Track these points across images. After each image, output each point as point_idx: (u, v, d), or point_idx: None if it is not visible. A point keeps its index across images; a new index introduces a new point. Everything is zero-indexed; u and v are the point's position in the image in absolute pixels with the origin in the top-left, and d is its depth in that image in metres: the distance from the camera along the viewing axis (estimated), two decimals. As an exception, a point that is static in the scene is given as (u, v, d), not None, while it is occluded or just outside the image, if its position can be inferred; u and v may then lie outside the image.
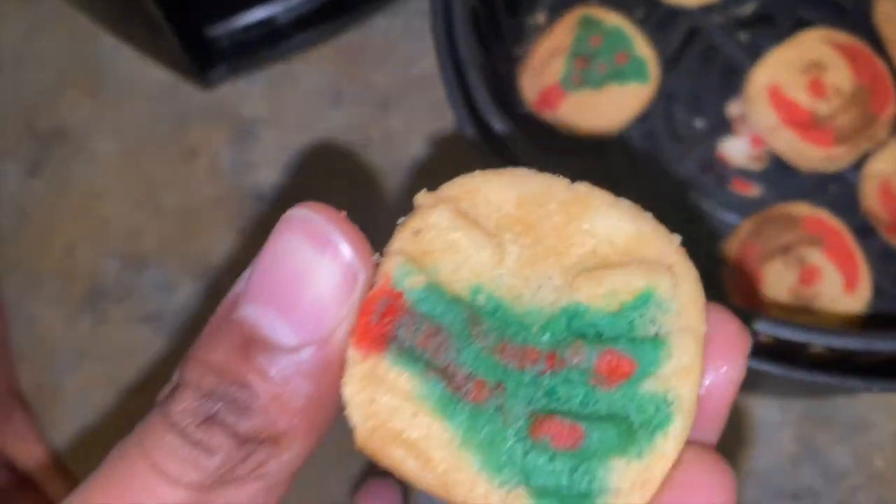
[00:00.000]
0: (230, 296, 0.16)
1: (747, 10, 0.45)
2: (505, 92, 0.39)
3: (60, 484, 0.41)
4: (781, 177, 0.43)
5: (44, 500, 0.40)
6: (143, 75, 0.51)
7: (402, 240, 0.17)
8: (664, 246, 0.16)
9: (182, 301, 0.47)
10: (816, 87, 0.41)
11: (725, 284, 0.40)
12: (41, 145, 0.50)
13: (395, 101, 0.49)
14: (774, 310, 0.39)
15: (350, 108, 0.49)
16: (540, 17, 0.47)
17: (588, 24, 0.44)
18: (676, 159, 0.44)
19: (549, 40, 0.44)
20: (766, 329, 0.30)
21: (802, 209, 0.41)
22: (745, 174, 0.43)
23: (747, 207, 0.43)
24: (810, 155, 0.41)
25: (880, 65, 0.41)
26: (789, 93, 0.41)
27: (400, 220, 0.17)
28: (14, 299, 0.47)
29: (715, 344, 0.16)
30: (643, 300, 0.16)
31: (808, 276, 0.40)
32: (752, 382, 0.29)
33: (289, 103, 0.49)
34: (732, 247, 0.41)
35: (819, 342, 0.29)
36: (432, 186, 0.18)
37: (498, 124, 0.31)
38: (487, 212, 0.17)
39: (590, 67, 0.44)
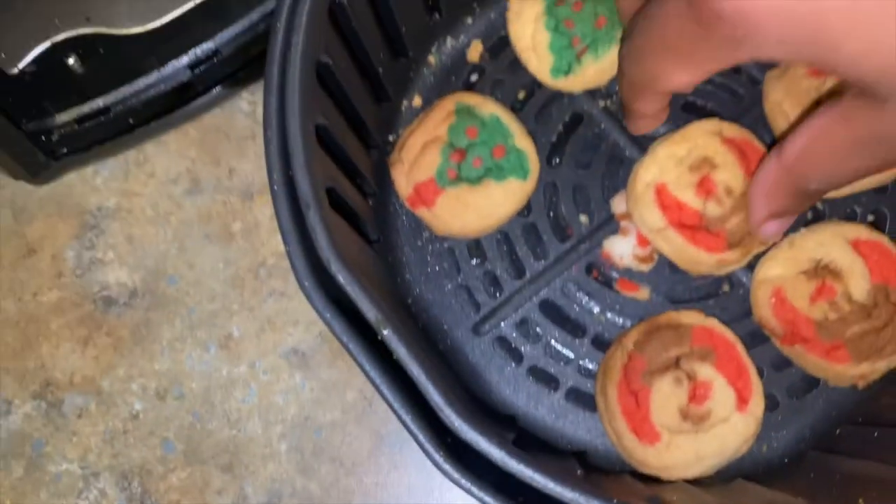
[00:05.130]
0: None
1: (635, 92, 0.42)
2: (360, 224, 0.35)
3: None
4: (670, 278, 0.40)
5: None
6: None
7: None
8: None
9: (18, 423, 0.42)
10: (705, 187, 0.38)
11: (612, 404, 0.37)
12: None
13: (260, 189, 0.45)
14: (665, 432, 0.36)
15: (210, 197, 0.44)
16: (416, 100, 0.43)
17: (464, 114, 0.41)
18: (560, 258, 0.40)
19: (423, 130, 0.40)
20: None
21: (692, 317, 0.38)
22: (632, 275, 0.40)
23: (635, 310, 0.40)
24: (699, 259, 0.38)
25: (771, 161, 0.39)
26: (677, 193, 0.38)
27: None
28: None
29: None
30: None
31: (698, 393, 0.37)
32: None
33: (140, 191, 0.44)
34: (616, 360, 0.38)
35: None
36: None
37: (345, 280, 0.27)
38: None
39: (466, 161, 0.40)
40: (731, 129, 0.39)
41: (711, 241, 0.38)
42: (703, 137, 0.39)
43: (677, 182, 0.38)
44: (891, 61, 0.23)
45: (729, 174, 0.38)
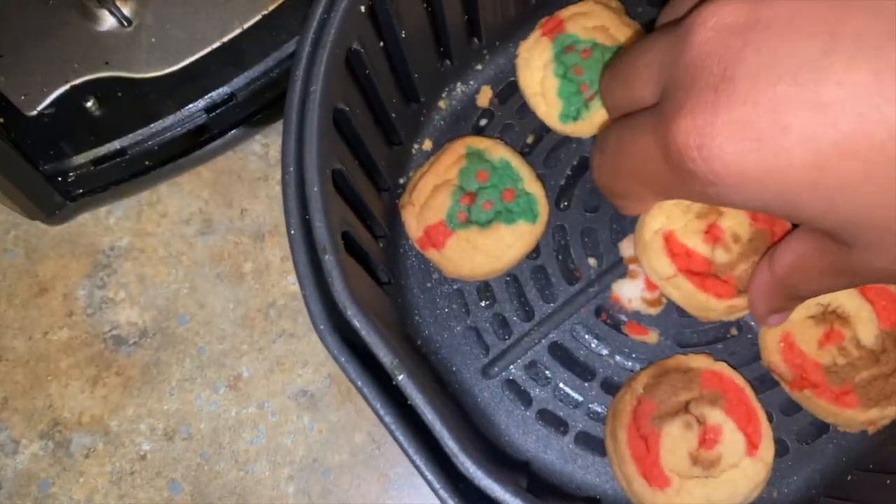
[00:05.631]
0: None
1: (642, 138, 0.43)
2: (373, 269, 0.36)
3: None
4: (679, 322, 0.40)
5: None
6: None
7: None
8: None
9: (25, 463, 0.42)
10: (713, 234, 0.38)
11: (621, 448, 0.37)
12: None
13: (272, 230, 0.45)
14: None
15: (222, 237, 0.45)
16: (427, 143, 0.44)
17: (474, 158, 0.41)
18: (569, 301, 0.41)
19: (433, 173, 0.41)
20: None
21: (701, 361, 0.38)
22: (641, 318, 0.40)
23: (643, 354, 0.40)
24: (709, 306, 0.38)
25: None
26: (685, 240, 0.38)
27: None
28: None
29: None
30: None
31: (708, 438, 0.37)
32: None
33: (153, 231, 0.45)
34: (626, 403, 0.38)
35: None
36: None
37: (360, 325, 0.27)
38: None
39: (475, 204, 0.40)
40: None
41: (721, 287, 0.38)
42: None
43: (685, 229, 0.38)
44: (849, 218, 0.25)
45: (735, 221, 0.38)
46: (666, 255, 0.38)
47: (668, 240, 0.38)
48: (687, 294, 0.38)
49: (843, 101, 0.23)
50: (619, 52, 0.41)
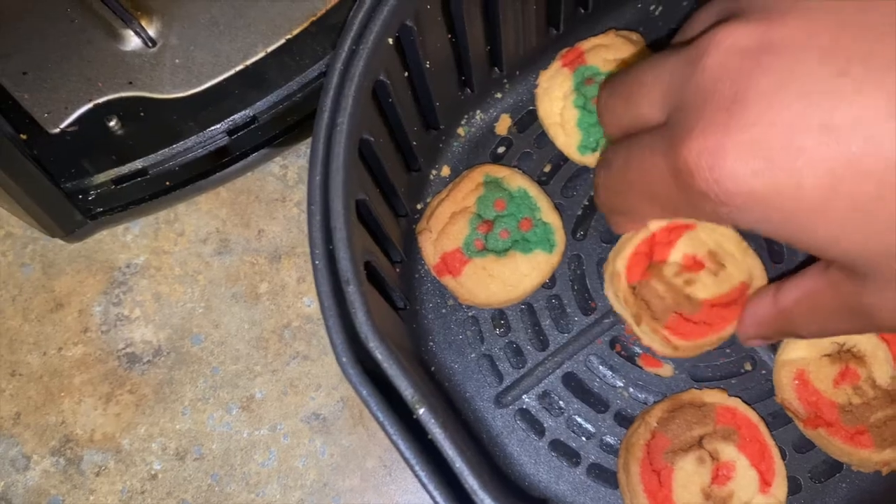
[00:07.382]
0: None
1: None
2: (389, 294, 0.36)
3: None
4: (693, 356, 0.40)
5: None
6: (4, 215, 0.46)
7: None
8: None
9: (36, 479, 0.42)
10: (689, 266, 0.38)
11: (634, 482, 0.37)
12: None
13: (288, 251, 0.45)
14: (685, 512, 0.36)
15: (239, 258, 0.45)
16: (445, 170, 0.44)
17: (492, 186, 0.41)
18: (584, 331, 0.41)
19: (451, 200, 0.41)
20: None
21: (715, 396, 0.38)
22: (655, 351, 0.40)
23: (657, 387, 0.40)
24: (621, 294, 0.38)
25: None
26: (662, 247, 0.38)
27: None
28: None
29: None
30: None
31: (721, 474, 0.37)
32: None
33: (169, 249, 0.45)
34: (640, 437, 0.38)
35: None
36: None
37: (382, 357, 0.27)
38: None
39: (493, 233, 0.40)
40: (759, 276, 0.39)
41: (655, 298, 0.37)
42: (738, 254, 0.38)
43: (679, 247, 0.38)
44: (862, 247, 0.24)
45: (719, 277, 0.37)
46: (637, 245, 0.37)
47: (652, 238, 0.38)
48: (616, 272, 0.38)
49: (856, 122, 0.23)
50: (619, 70, 0.41)
